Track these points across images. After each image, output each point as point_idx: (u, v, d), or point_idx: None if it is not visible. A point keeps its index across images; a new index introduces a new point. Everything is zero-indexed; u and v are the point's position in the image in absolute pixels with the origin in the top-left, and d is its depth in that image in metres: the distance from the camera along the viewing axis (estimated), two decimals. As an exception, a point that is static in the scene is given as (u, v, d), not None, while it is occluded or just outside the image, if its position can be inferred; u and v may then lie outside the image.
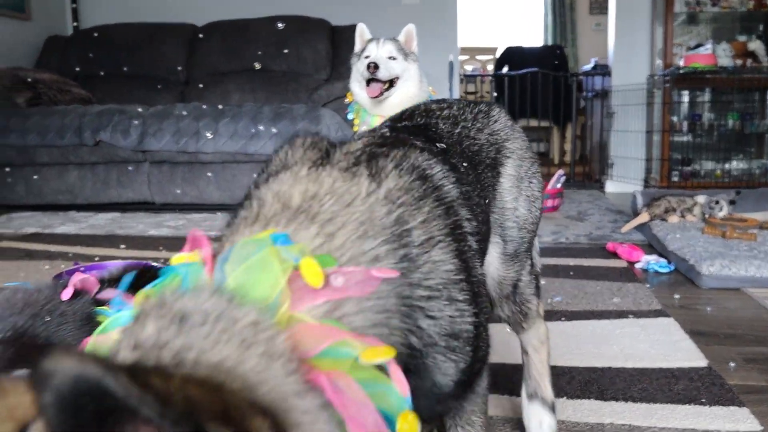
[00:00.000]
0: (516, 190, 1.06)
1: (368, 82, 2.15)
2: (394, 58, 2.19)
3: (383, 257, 0.63)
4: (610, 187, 4.61)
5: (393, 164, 0.72)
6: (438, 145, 0.90)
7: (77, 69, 4.64)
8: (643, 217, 2.84)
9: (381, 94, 2.16)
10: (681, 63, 4.03)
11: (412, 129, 0.96)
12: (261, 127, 3.58)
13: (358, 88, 2.23)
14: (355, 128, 2.31)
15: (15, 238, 3.16)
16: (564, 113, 5.86)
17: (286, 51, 4.41)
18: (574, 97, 5.36)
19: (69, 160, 3.80)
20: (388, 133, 0.86)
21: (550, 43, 8.05)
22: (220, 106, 3.74)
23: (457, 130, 1.01)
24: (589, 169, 5.19)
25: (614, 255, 2.57)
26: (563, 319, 1.87)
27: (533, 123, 5.93)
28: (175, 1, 4.98)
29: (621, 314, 1.92)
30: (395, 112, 2.19)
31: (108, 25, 4.77)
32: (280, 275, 0.54)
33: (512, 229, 1.06)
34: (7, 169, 3.88)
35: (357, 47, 2.31)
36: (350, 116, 2.33)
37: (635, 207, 3.07)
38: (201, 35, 4.59)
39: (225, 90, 4.34)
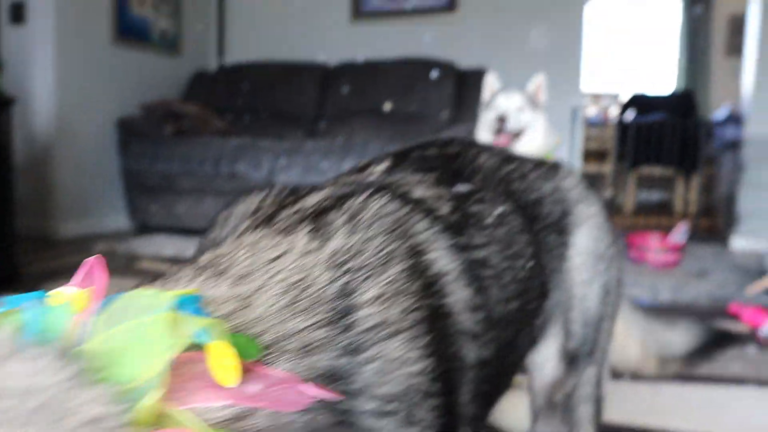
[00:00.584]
0: (590, 272, 0.83)
1: (496, 132, 2.24)
2: (522, 110, 2.26)
3: (317, 347, 0.46)
4: (737, 243, 4.39)
5: (346, 217, 0.56)
6: (458, 188, 0.70)
7: (219, 102, 5.03)
8: (771, 280, 2.72)
9: (508, 145, 2.24)
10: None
11: (431, 160, 0.77)
12: (383, 166, 3.74)
13: (485, 138, 2.31)
14: None
15: (155, 259, 3.47)
16: (690, 162, 5.66)
17: (411, 93, 4.58)
18: (702, 145, 5.18)
19: (205, 188, 4.13)
20: (371, 176, 0.71)
21: (681, 87, 7.80)
22: (346, 145, 3.94)
23: (508, 168, 0.81)
24: (714, 224, 4.97)
25: (737, 318, 2.48)
26: (678, 381, 1.84)
27: (656, 171, 5.76)
28: (309, 40, 5.29)
29: (741, 381, 1.86)
30: None
31: (248, 64, 5.16)
32: (166, 351, 0.38)
33: (577, 322, 0.82)
34: (152, 194, 4.27)
35: (486, 97, 2.39)
36: None
37: (763, 267, 2.94)
38: (332, 75, 4.86)
39: (351, 129, 4.56)
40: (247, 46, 5.50)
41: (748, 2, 4.58)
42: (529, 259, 0.72)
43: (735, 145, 4.45)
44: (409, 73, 4.65)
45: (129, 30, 4.68)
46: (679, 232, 3.53)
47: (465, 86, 4.57)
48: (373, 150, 3.83)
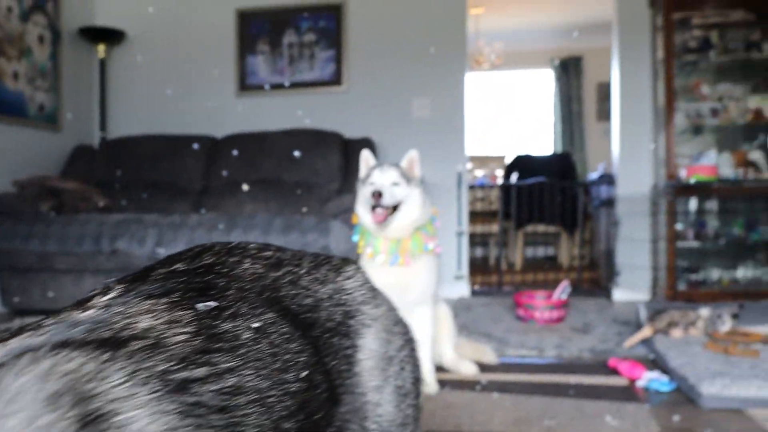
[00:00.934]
0: (381, 376, 0.78)
1: (373, 207, 2.26)
2: (398, 184, 2.31)
3: None
4: (618, 295, 4.62)
5: None
6: (200, 306, 0.61)
7: (102, 177, 4.85)
8: (647, 332, 2.86)
9: (385, 219, 2.27)
10: (684, 173, 4.14)
11: (176, 276, 0.68)
12: (271, 239, 3.69)
13: (363, 212, 2.34)
14: (360, 250, 2.40)
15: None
16: (571, 220, 5.97)
17: (299, 163, 4.61)
18: (581, 204, 5.48)
19: (86, 267, 3.92)
20: (87, 311, 0.59)
21: (560, 148, 8.28)
22: (232, 217, 3.88)
23: (276, 274, 0.75)
24: (597, 276, 5.22)
25: (616, 372, 2.57)
26: (558, 442, 1.87)
27: (540, 228, 6.02)
28: (197, 116, 5.25)
29: (618, 438, 1.92)
30: (398, 234, 2.28)
31: (132, 137, 5.03)
32: None
33: (373, 430, 0.76)
34: (26, 275, 4.01)
35: (362, 172, 2.43)
36: (355, 238, 2.43)
37: (639, 320, 3.09)
38: (219, 147, 4.81)
39: (239, 200, 4.50)
40: (132, 120, 5.38)
41: (611, 74, 4.96)
42: (302, 369, 0.65)
43: (609, 203, 4.73)
44: (297, 143, 4.67)
45: (2, 105, 4.47)
46: (562, 289, 3.67)
47: (352, 156, 4.64)
48: (260, 223, 3.79)
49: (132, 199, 4.67)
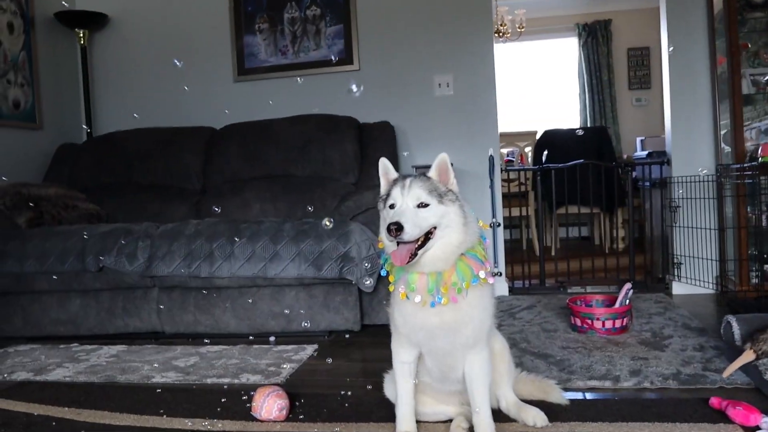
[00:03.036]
0: None
1: (395, 241, 1.68)
2: (426, 205, 1.71)
3: None
4: (678, 289, 4.07)
5: None
6: None
7: (89, 179, 4.33)
8: (748, 356, 2.30)
9: (411, 257, 1.67)
10: (759, 152, 3.54)
11: None
12: (281, 248, 3.16)
13: (387, 241, 1.75)
14: (391, 287, 1.84)
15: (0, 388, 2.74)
16: (612, 200, 5.40)
17: (309, 154, 4.05)
18: (627, 185, 4.91)
19: (71, 288, 3.42)
20: None
21: (588, 122, 7.66)
22: (236, 224, 3.34)
23: None
24: (645, 263, 4.65)
25: (722, 413, 2.03)
26: None
27: (572, 209, 5.46)
28: (193, 105, 4.70)
29: None
30: (437, 267, 1.72)
31: (120, 132, 4.50)
32: None
33: None
34: (6, 299, 3.51)
35: (382, 189, 1.84)
36: (383, 272, 1.85)
37: (730, 337, 2.54)
38: (218, 140, 4.27)
39: (244, 200, 3.96)
40: (120, 114, 4.84)
41: (660, 36, 4.34)
42: None
43: (664, 185, 4.15)
44: (306, 131, 4.12)
45: (-30, 104, 3.95)
46: (625, 294, 3.13)
47: (370, 143, 4.09)
48: (269, 229, 3.25)
49: (122, 203, 4.14)
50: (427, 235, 1.68)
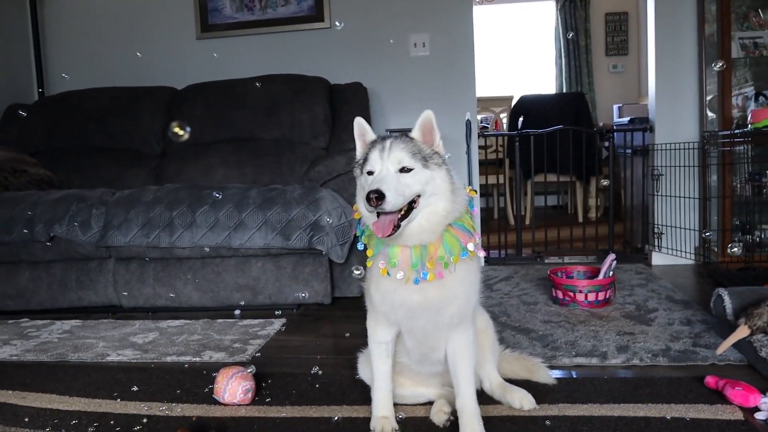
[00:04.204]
0: None
1: (374, 212, 1.48)
2: (410, 169, 1.51)
3: None
4: (657, 259, 3.96)
5: None
6: None
7: (38, 143, 4.04)
8: (742, 332, 2.18)
9: (394, 229, 1.46)
10: (749, 119, 3.40)
11: None
12: (248, 216, 2.95)
13: (365, 211, 1.55)
14: (369, 263, 1.65)
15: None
16: (588, 167, 5.28)
17: (277, 116, 3.82)
18: (597, 151, 4.78)
19: (20, 258, 3.17)
20: None
21: (564, 89, 7.51)
22: (198, 189, 3.12)
23: None
24: (630, 236, 4.55)
25: (719, 393, 1.91)
26: None
27: (551, 178, 5.33)
28: (153, 65, 4.41)
29: None
30: (421, 240, 1.53)
31: (73, 92, 4.20)
32: None
33: None
34: (-53, 270, 3.25)
35: (358, 152, 1.63)
36: (359, 245, 1.65)
37: (721, 311, 2.41)
38: (180, 100, 4.00)
39: (208, 164, 3.72)
40: (74, 74, 4.51)
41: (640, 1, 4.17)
42: None
43: (645, 153, 4.02)
44: (273, 91, 3.88)
45: None
46: (609, 265, 2.99)
47: (342, 105, 3.87)
48: (233, 195, 3.04)
49: (77, 168, 3.88)
50: (411, 204, 1.49)
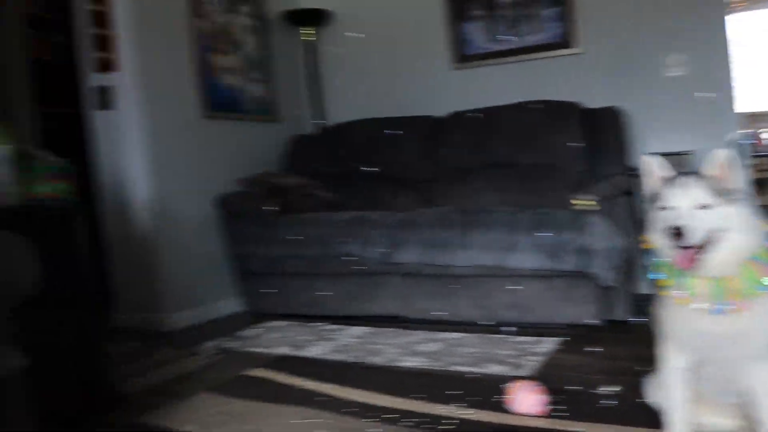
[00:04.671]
0: None
1: (674, 246, 1.61)
2: (708, 207, 1.61)
3: None
4: None
5: None
6: None
7: (319, 168, 4.65)
8: None
9: (694, 261, 1.57)
10: None
11: None
12: (518, 239, 3.19)
13: (660, 243, 1.68)
14: (663, 291, 1.76)
15: (266, 362, 3.05)
16: None
17: (533, 141, 4.03)
18: None
19: (317, 271, 3.71)
20: None
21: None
22: (469, 213, 3.42)
23: None
24: None
25: None
26: None
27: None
28: (410, 95, 4.85)
29: None
30: (723, 272, 1.62)
31: (348, 123, 4.77)
32: None
33: None
34: (261, 278, 3.89)
35: (649, 187, 1.76)
36: (651, 275, 1.78)
37: None
38: (440, 129, 4.37)
39: (471, 188, 4.04)
40: (345, 106, 5.11)
41: None
42: None
43: None
44: (529, 118, 4.09)
45: (220, 102, 4.39)
46: None
47: (596, 130, 3.97)
48: (503, 219, 3.29)
49: (354, 191, 4.41)
50: (709, 242, 1.60)
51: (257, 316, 4.05)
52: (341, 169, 4.59)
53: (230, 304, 4.24)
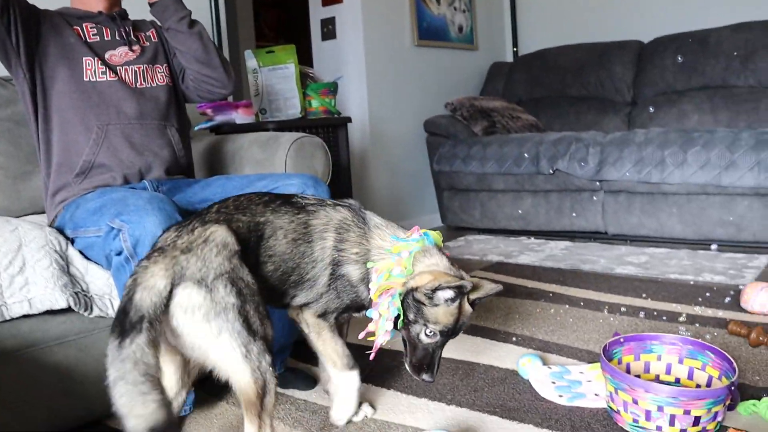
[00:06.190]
0: None
1: None
2: None
3: None
4: None
5: None
6: None
7: (520, 94, 4.80)
8: None
9: None
10: None
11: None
12: (739, 157, 3.18)
13: None
14: None
15: (484, 267, 3.34)
16: None
17: (751, 63, 3.90)
18: None
19: (524, 188, 3.92)
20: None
21: None
22: (689, 132, 3.43)
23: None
24: None
25: None
26: None
27: None
28: (619, 19, 4.81)
29: None
30: None
31: (549, 49, 4.85)
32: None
33: None
34: (467, 195, 4.18)
35: None
36: None
37: None
38: (649, 53, 4.34)
39: (680, 111, 4.01)
40: (542, 33, 5.18)
41: None
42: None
43: None
44: (749, 39, 3.94)
45: (429, 31, 4.64)
46: None
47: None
48: (724, 138, 3.28)
49: (556, 115, 4.53)
50: None
51: (457, 229, 4.36)
52: (543, 94, 4.71)
53: (432, 219, 4.59)
